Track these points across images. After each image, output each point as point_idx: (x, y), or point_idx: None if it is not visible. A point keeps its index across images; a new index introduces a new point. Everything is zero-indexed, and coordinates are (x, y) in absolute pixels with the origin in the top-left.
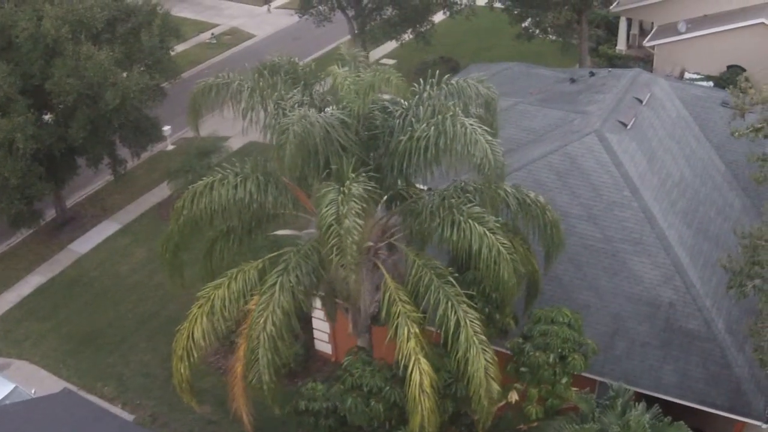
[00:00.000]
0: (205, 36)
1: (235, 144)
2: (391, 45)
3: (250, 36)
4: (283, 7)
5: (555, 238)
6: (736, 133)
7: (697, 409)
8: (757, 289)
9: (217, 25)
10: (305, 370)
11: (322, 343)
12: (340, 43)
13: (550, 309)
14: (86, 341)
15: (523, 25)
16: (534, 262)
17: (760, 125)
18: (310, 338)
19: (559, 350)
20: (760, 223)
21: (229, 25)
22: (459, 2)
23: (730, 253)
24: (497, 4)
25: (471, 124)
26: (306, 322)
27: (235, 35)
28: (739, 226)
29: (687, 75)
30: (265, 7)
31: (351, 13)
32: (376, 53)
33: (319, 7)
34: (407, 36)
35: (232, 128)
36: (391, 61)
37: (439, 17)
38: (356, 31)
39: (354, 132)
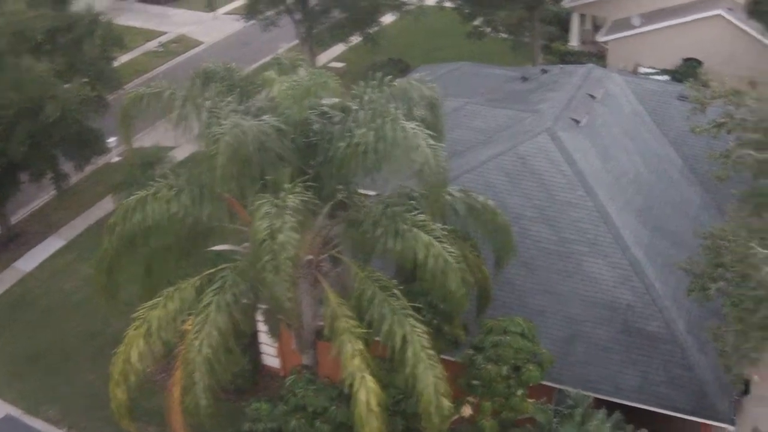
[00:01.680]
0: (153, 44)
1: (181, 154)
2: (339, 48)
3: (198, 43)
4: (231, 12)
5: (506, 243)
6: (697, 130)
7: (660, 414)
8: (721, 292)
9: (164, 33)
10: (254, 386)
11: (271, 358)
12: (290, 47)
13: (502, 319)
14: (31, 362)
15: (473, 23)
16: (484, 270)
17: (722, 120)
18: (258, 353)
19: (513, 361)
20: (721, 221)
21: (176, 32)
22: (408, 3)
23: (691, 255)
24: (447, 4)
25: (412, 128)
26: (253, 336)
27: (183, 43)
28: (701, 227)
29: (642, 69)
30: (212, 13)
31: (298, 16)
32: (325, 57)
33: (266, 12)
34: (355, 38)
35: (177, 138)
36: (340, 65)
37: (390, 18)
38: (304, 35)
39: (291, 140)
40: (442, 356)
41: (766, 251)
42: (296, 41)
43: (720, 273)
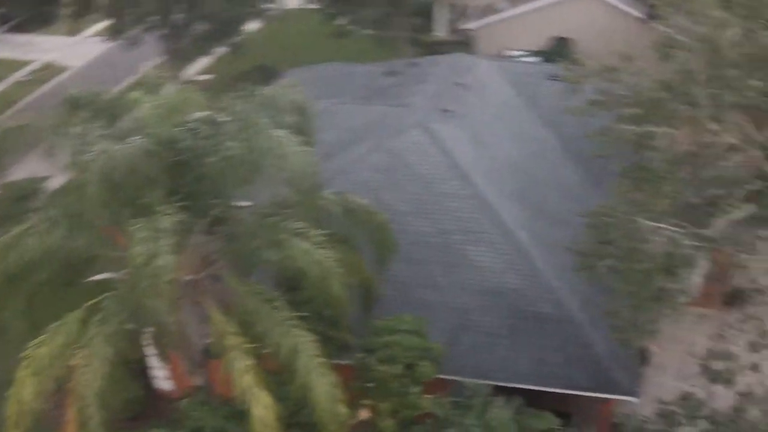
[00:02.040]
0: (21, 74)
1: (55, 184)
2: (206, 60)
3: (65, 69)
4: (96, 35)
5: (386, 241)
6: (574, 110)
7: (567, 394)
8: (610, 268)
9: (32, 62)
10: (149, 411)
11: (163, 381)
12: (156, 64)
13: (391, 318)
14: None
15: (337, 22)
16: (367, 270)
17: (598, 98)
18: (150, 377)
19: (405, 360)
20: (601, 197)
21: (44, 60)
22: (271, 8)
23: (576, 235)
24: (311, 5)
25: (282, 137)
26: (144, 360)
27: (50, 70)
28: (582, 205)
29: (511, 52)
30: (77, 37)
31: (162, 32)
32: (192, 70)
33: (130, 31)
34: (221, 49)
35: (50, 168)
36: (208, 77)
37: (255, 25)
38: (169, 51)
39: (161, 160)
40: (335, 361)
41: (651, 224)
42: (162, 58)
43: (607, 250)
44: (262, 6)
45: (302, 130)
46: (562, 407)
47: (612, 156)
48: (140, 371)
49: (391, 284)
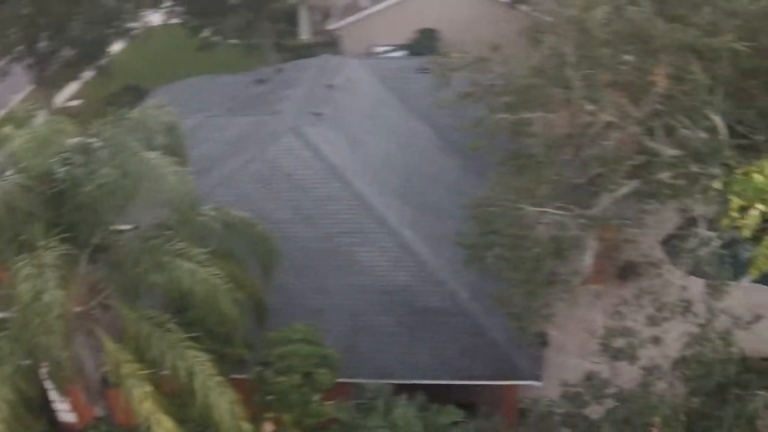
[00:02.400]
0: None
1: None
2: (76, 85)
3: None
4: None
5: (269, 251)
6: (444, 103)
7: (468, 386)
8: (498, 257)
9: None
10: None
11: (67, 414)
12: (25, 95)
13: (283, 329)
14: None
15: (203, 35)
16: (254, 283)
17: (469, 89)
18: (53, 411)
19: (303, 369)
20: (483, 186)
21: None
22: (133, 27)
23: (460, 227)
24: (174, 20)
25: (154, 159)
26: (46, 394)
27: None
28: (463, 195)
29: (378, 48)
30: None
31: (28, 62)
32: (62, 97)
33: None
34: (89, 73)
35: None
36: (78, 102)
37: (122, 45)
38: (37, 80)
39: (38, 193)
40: (234, 377)
41: (535, 209)
42: (31, 87)
43: (493, 239)
44: (125, 25)
45: (174, 149)
46: (466, 399)
47: (489, 146)
48: (43, 406)
49: (281, 294)
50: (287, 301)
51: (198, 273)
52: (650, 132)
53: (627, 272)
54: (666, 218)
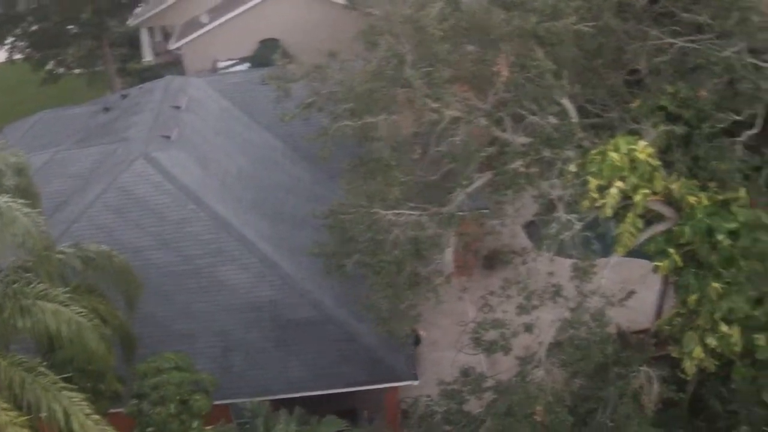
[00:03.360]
0: None
1: None
2: None
3: None
4: None
5: (131, 282)
6: (286, 118)
7: (346, 393)
8: (359, 263)
9: None
10: None
11: None
12: None
13: (153, 359)
14: None
15: (47, 68)
16: (120, 315)
17: (310, 100)
18: None
19: (178, 397)
20: (337, 193)
21: None
22: None
23: (317, 240)
24: (18, 56)
25: (5, 203)
26: None
27: None
28: (319, 203)
29: (220, 64)
30: None
31: None
32: None
33: None
34: None
35: None
36: None
37: None
38: None
39: None
40: (113, 411)
41: (390, 213)
42: None
43: (352, 247)
44: None
45: (25, 191)
46: (347, 406)
47: (337, 153)
48: None
49: (149, 322)
50: (156, 328)
51: (62, 313)
52: (499, 123)
53: (493, 262)
54: (526, 204)
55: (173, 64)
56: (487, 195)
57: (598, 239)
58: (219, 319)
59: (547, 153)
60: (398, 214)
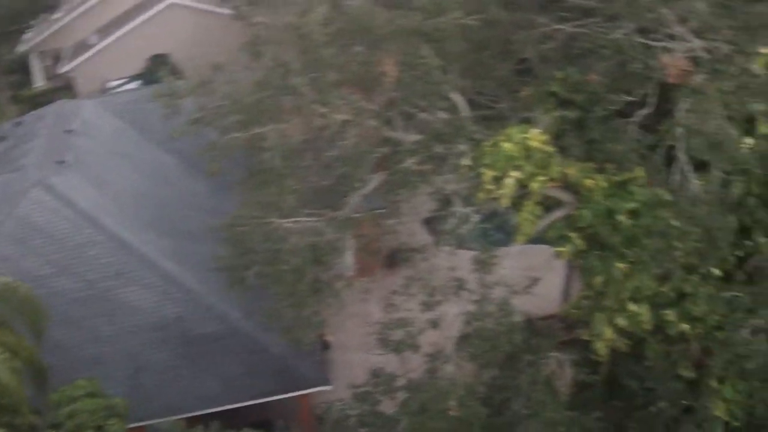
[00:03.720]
0: None
1: None
2: None
3: None
4: None
5: (36, 311)
6: (176, 133)
7: (261, 404)
8: (260, 274)
9: None
10: None
11: None
12: None
13: (66, 387)
14: None
15: None
16: (29, 346)
17: (197, 115)
18: None
19: (93, 424)
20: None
21: None
22: None
23: (218, 253)
24: None
25: None
26: None
27: None
28: (218, 215)
29: (111, 84)
30: None
31: None
32: None
33: None
34: None
35: None
36: None
37: None
38: None
39: None
40: None
41: (286, 221)
42: None
43: (250, 258)
44: None
45: None
46: (262, 417)
47: (229, 166)
48: None
49: (59, 351)
50: (65, 356)
51: None
52: (389, 122)
53: (395, 260)
54: (423, 201)
55: (65, 88)
56: (383, 195)
57: (500, 229)
58: (127, 341)
59: (439, 149)
60: (294, 221)
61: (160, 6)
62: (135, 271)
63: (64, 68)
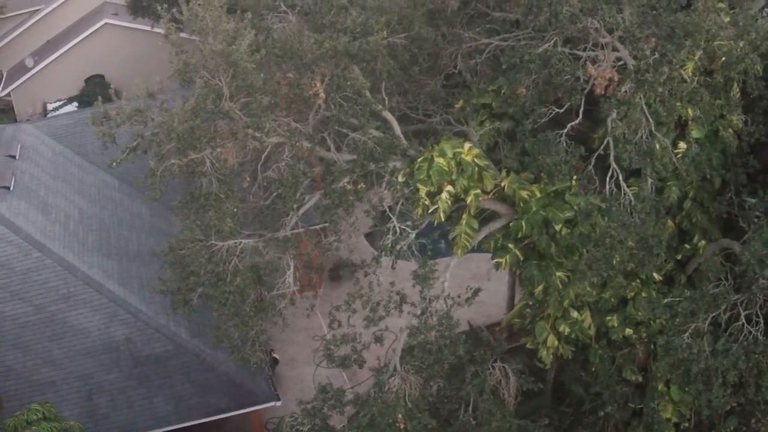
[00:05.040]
0: None
1: None
2: None
3: None
4: None
5: None
6: (114, 164)
7: (212, 422)
8: (205, 296)
9: None
10: None
11: None
12: None
13: (20, 412)
14: None
15: None
16: None
17: (134, 143)
18: None
19: None
20: (178, 231)
21: None
22: None
23: (161, 276)
24: None
25: None
26: None
27: None
28: (161, 237)
29: (50, 106)
30: None
31: None
32: None
33: None
34: None
35: None
36: None
37: None
38: None
39: None
40: None
41: (226, 243)
42: None
43: (194, 281)
44: None
45: None
46: None
47: (168, 191)
48: None
49: (11, 376)
50: (18, 381)
51: None
52: (323, 143)
53: (339, 273)
54: (363, 217)
55: (3, 112)
56: (321, 213)
57: (443, 239)
58: (79, 364)
59: (372, 167)
60: (235, 243)
61: (95, 27)
62: (83, 294)
63: (1, 92)
